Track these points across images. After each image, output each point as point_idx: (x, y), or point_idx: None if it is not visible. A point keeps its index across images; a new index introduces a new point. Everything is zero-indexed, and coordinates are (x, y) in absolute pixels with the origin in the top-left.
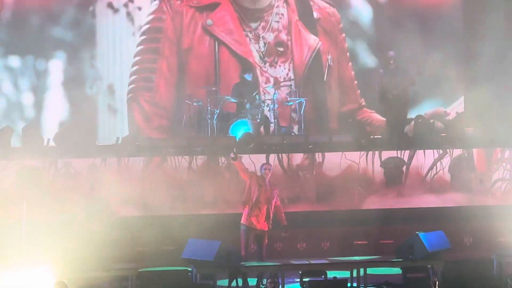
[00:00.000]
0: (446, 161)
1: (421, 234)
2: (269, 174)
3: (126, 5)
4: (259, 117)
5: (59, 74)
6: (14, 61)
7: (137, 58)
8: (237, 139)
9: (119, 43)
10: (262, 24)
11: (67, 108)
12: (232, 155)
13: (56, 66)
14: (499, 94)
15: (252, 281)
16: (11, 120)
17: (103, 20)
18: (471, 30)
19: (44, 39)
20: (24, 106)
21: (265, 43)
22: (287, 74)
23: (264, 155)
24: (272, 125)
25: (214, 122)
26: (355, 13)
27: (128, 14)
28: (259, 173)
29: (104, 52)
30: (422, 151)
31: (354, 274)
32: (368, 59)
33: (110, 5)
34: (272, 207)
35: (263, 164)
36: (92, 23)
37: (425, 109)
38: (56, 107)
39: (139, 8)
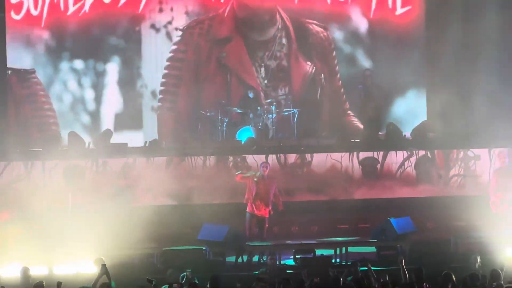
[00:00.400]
0: (413, 160)
1: (391, 219)
2: (267, 170)
3: (165, 26)
4: (260, 124)
5: (114, 74)
6: (78, 63)
7: (163, 80)
8: (243, 142)
9: (160, 56)
10: (267, 53)
11: (121, 102)
12: (237, 173)
13: (112, 68)
14: (455, 105)
15: (255, 258)
16: (75, 112)
17: (147, 38)
18: (432, 48)
19: (102, 46)
20: (86, 100)
21: (267, 70)
22: (287, 97)
23: (264, 155)
24: (271, 131)
25: (224, 129)
26: (354, 24)
27: (167, 34)
28: (259, 170)
29: (148, 63)
30: (393, 152)
31: (338, 252)
32: (365, 62)
33: (153, 26)
34: (271, 197)
35: (262, 163)
36: (138, 40)
37: (395, 115)
38: (112, 101)
39: (176, 29)
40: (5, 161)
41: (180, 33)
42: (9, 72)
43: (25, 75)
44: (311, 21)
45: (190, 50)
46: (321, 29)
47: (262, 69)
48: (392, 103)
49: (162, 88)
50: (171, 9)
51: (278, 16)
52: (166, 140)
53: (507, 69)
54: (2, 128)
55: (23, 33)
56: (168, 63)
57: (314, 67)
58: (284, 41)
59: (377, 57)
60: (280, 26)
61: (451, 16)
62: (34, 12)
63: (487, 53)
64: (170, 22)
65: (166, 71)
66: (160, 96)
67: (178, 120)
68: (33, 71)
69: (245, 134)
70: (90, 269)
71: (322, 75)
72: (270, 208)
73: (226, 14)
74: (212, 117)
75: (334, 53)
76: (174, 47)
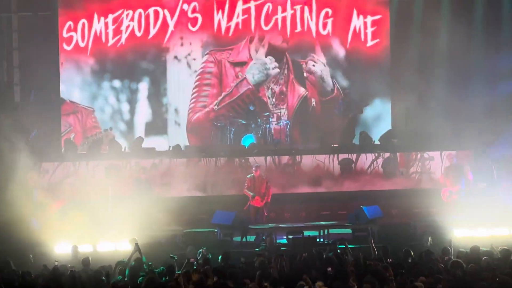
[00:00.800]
0: (380, 161)
1: (364, 207)
2: (257, 172)
3: (186, 57)
4: (260, 132)
5: (145, 91)
6: (117, 83)
7: (195, 89)
8: (246, 147)
9: (182, 81)
10: (272, 79)
11: (150, 113)
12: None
13: (143, 87)
14: (414, 115)
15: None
16: (114, 121)
17: (171, 66)
18: (395, 69)
19: (135, 69)
20: (123, 112)
21: (273, 92)
22: (284, 111)
23: (263, 157)
24: (268, 137)
25: (231, 136)
26: (334, 52)
27: (187, 63)
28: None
29: (172, 86)
30: (364, 154)
31: (321, 233)
32: (343, 82)
33: (176, 57)
34: (265, 190)
35: (253, 167)
36: (164, 67)
37: (366, 122)
38: (143, 113)
39: (194, 59)
40: (57, 162)
41: (206, 56)
42: (79, 106)
43: (91, 112)
44: (306, 60)
45: (216, 65)
46: (312, 67)
47: (269, 91)
48: (363, 113)
49: (195, 92)
50: (190, 44)
51: (284, 56)
52: (185, 145)
53: (455, 86)
54: (55, 137)
55: (73, 60)
56: (199, 76)
57: (307, 92)
58: (285, 71)
59: (352, 77)
60: (284, 61)
61: (411, 43)
62: (82, 44)
63: (440, 73)
64: (189, 54)
65: (198, 82)
66: (193, 99)
67: (205, 121)
68: (93, 109)
69: (248, 140)
70: (125, 247)
71: (313, 100)
72: (266, 199)
73: (242, 46)
74: (222, 126)
75: (322, 83)
76: (203, 64)
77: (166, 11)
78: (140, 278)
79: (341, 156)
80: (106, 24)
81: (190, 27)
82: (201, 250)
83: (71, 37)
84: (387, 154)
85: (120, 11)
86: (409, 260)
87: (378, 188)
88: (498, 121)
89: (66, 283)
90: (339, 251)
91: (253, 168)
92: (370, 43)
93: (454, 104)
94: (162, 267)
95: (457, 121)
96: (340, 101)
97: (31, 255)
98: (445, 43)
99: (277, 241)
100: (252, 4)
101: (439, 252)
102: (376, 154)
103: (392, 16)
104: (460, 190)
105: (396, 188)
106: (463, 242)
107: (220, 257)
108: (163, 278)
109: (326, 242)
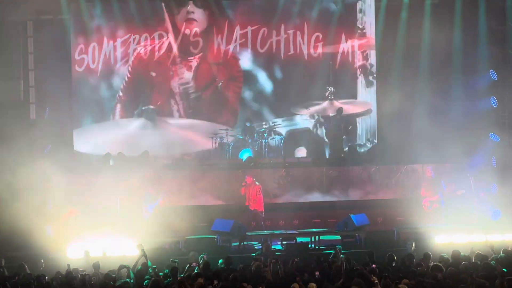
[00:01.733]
0: (367, 173)
1: (352, 215)
2: (249, 180)
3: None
4: (257, 147)
5: None
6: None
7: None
8: (243, 160)
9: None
10: None
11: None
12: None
13: None
14: (398, 133)
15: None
16: None
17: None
18: (380, 88)
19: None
20: None
21: None
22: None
23: (259, 170)
24: (264, 151)
25: (230, 150)
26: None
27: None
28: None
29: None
30: (352, 167)
31: (313, 239)
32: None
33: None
34: (258, 196)
35: (246, 177)
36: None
37: (354, 140)
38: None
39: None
40: (70, 173)
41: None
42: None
43: None
44: None
45: None
46: None
47: None
48: (351, 130)
49: None
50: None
51: None
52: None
53: (436, 104)
54: (68, 150)
55: (83, 80)
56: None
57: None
58: None
59: (340, 96)
60: None
61: (394, 63)
62: (92, 66)
63: (422, 91)
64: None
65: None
66: None
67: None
68: None
69: (245, 154)
70: (133, 252)
71: None
72: (257, 207)
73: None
74: (222, 141)
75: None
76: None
77: (170, 35)
78: (146, 281)
79: (331, 169)
80: (115, 47)
81: (192, 50)
82: (202, 255)
83: (83, 59)
84: (373, 167)
85: (127, 36)
86: (393, 264)
87: (365, 197)
88: (475, 137)
89: (77, 285)
90: (332, 256)
91: (246, 176)
92: (357, 64)
93: (435, 121)
94: (166, 270)
95: (438, 137)
96: (331, 114)
97: (42, 260)
98: (426, 64)
99: (272, 246)
100: (249, 30)
101: (421, 256)
102: (363, 167)
103: (378, 39)
104: (439, 199)
105: (381, 198)
106: (443, 248)
107: (220, 261)
108: (168, 280)
109: (317, 247)
